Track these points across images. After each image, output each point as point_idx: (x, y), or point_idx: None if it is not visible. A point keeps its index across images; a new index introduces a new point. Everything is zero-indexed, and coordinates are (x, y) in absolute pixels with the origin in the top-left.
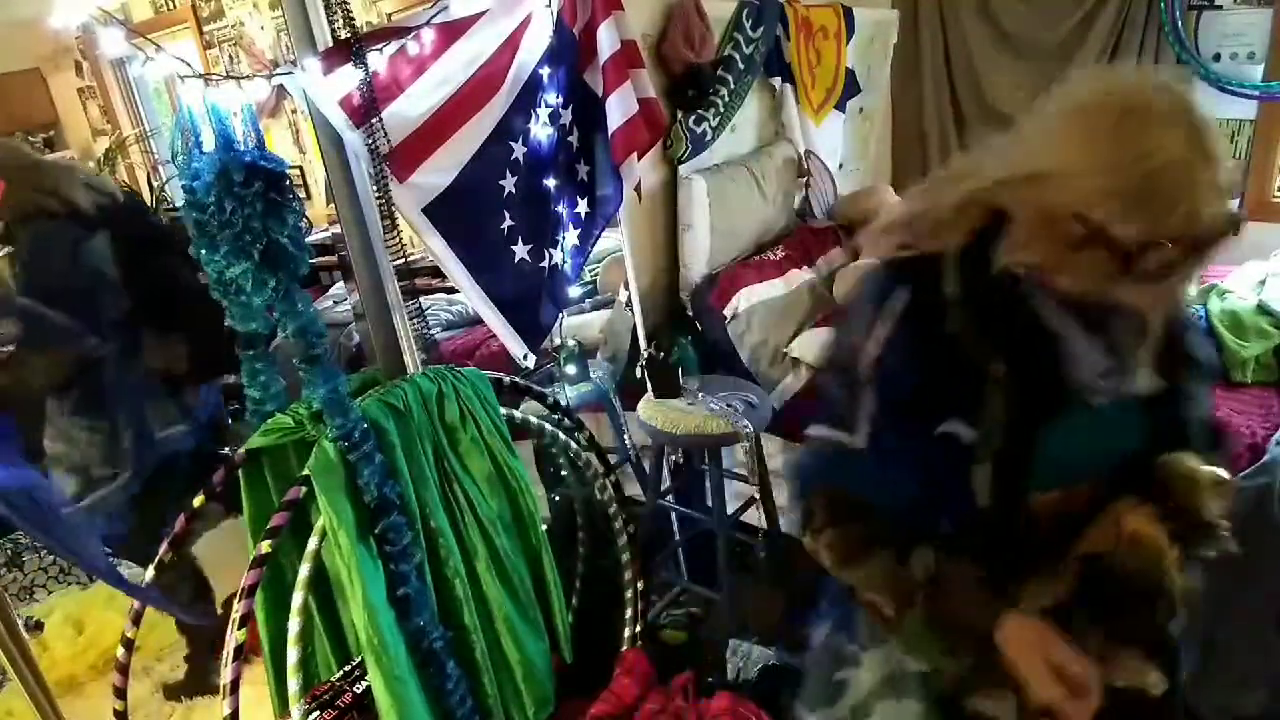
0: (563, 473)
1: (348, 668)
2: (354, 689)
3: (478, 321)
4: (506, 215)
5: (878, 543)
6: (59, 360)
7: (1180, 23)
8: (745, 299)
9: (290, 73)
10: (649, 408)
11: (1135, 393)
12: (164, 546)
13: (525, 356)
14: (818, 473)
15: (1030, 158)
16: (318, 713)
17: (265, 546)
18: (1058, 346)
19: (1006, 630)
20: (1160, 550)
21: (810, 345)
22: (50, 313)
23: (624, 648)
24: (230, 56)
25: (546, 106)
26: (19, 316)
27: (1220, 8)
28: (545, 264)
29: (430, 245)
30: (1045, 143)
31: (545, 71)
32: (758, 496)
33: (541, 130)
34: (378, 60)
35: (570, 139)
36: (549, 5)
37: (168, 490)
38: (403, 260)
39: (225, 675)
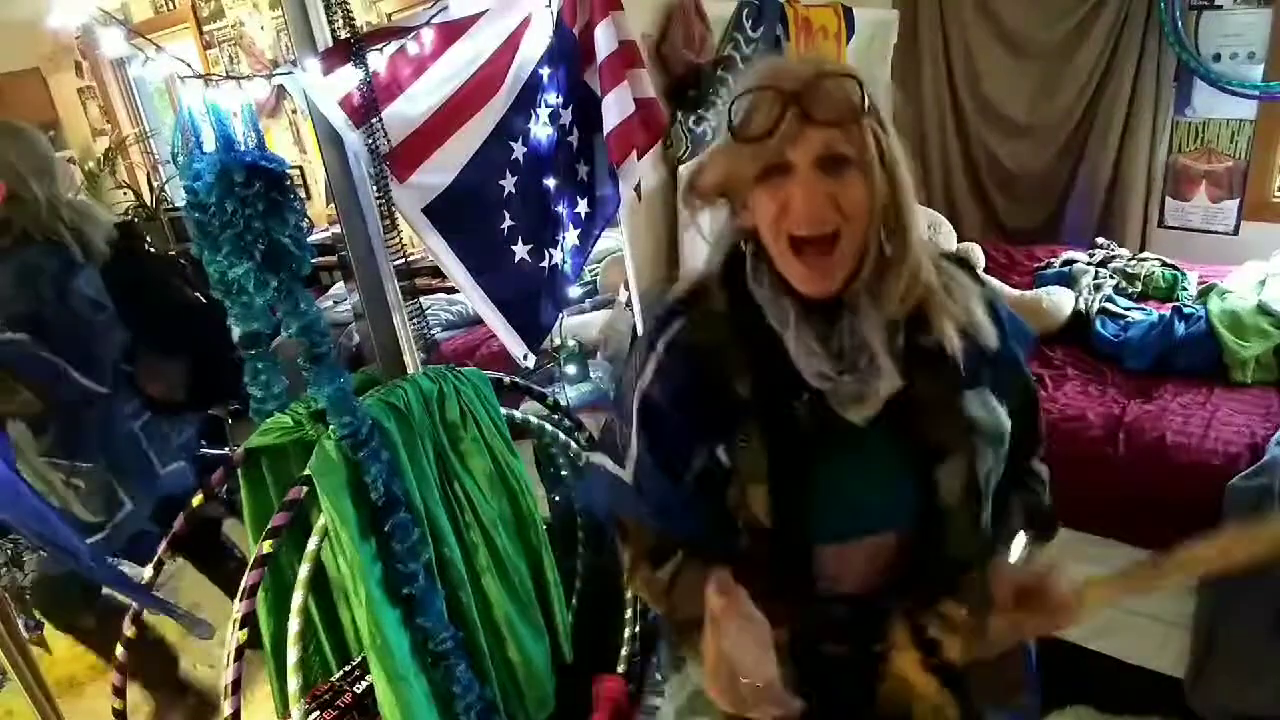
0: (563, 473)
1: (348, 668)
2: (354, 689)
3: (478, 321)
4: (506, 215)
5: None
6: (35, 392)
7: (1180, 23)
8: None
9: (290, 73)
10: None
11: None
12: (163, 546)
13: (525, 356)
14: (607, 502)
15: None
16: (318, 713)
17: (266, 546)
18: (783, 346)
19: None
20: (918, 697)
21: None
22: (22, 337)
23: (622, 650)
24: (230, 56)
25: (546, 106)
26: None
27: (1220, 8)
28: (545, 264)
29: (430, 245)
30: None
31: (545, 71)
32: None
33: (541, 130)
34: (378, 60)
35: (570, 139)
36: (549, 5)
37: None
38: (403, 260)
39: (226, 675)
